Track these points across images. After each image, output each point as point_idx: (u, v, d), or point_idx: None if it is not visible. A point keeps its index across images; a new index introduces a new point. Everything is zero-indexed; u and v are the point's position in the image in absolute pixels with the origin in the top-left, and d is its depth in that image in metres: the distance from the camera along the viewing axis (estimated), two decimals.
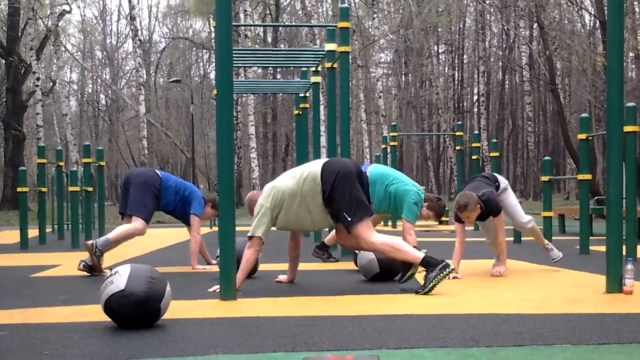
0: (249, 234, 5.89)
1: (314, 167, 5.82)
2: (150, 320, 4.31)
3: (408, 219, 7.43)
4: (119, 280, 4.26)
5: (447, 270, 5.46)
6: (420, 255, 5.59)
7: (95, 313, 4.64)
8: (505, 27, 41.65)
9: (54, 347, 3.78)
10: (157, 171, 7.88)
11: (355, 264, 6.87)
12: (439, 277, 5.43)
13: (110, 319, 4.33)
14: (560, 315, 4.56)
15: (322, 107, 23.12)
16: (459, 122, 19.80)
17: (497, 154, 13.80)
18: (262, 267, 7.12)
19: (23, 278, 7.12)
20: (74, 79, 57.29)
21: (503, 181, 7.20)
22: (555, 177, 11.00)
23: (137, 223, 7.36)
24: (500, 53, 44.55)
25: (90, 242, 7.15)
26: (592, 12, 28.04)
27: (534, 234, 7.36)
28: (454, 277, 6.35)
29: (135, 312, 4.21)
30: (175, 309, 4.71)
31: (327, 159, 6.01)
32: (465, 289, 5.86)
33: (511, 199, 7.19)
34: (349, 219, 5.62)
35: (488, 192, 6.66)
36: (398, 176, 7.64)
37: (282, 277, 6.45)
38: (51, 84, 39.05)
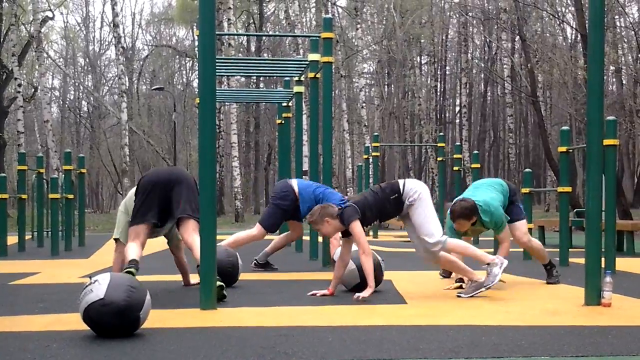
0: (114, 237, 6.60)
1: None
2: (129, 329, 4.29)
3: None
4: (98, 288, 4.24)
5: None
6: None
7: (74, 322, 4.61)
8: (488, 40, 41.88)
9: (32, 356, 3.75)
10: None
11: None
12: None
13: (89, 328, 4.31)
14: (539, 327, 4.58)
15: (304, 117, 23.13)
16: (441, 134, 19.87)
17: (479, 165, 13.87)
18: (242, 276, 7.10)
19: (1, 286, 7.06)
20: (55, 86, 57.01)
21: (411, 193, 6.05)
22: (535, 189, 11.07)
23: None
24: (483, 65, 44.79)
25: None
26: (574, 26, 28.28)
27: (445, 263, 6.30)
28: (322, 295, 6.10)
29: (115, 321, 4.19)
30: (155, 319, 4.69)
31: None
32: (445, 300, 5.87)
33: (416, 213, 6.03)
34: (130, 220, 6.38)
35: (347, 205, 6.08)
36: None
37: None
38: (33, 90, 38.83)
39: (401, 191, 6.05)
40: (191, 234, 6.11)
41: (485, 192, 7.00)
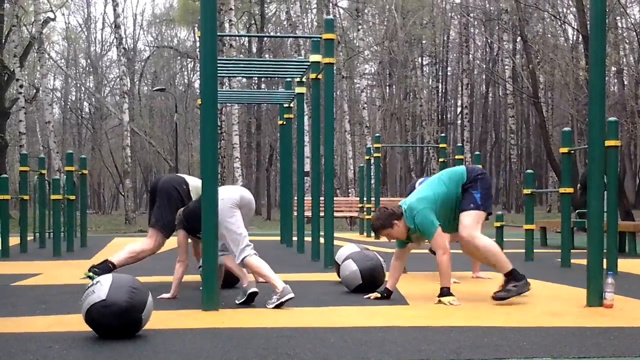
0: None
1: None
2: (131, 330, 4.29)
3: None
4: (100, 289, 4.25)
5: None
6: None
7: (76, 323, 4.62)
8: (489, 40, 41.87)
9: (34, 357, 3.75)
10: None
11: (338, 275, 6.87)
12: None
13: (91, 329, 4.31)
14: (540, 329, 4.58)
15: (306, 118, 23.14)
16: (443, 134, 19.84)
17: (480, 166, 13.85)
18: None
19: (3, 287, 7.06)
20: (57, 87, 57.05)
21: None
22: (537, 190, 11.09)
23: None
24: (484, 66, 44.77)
25: None
26: (575, 27, 28.29)
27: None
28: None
29: (117, 322, 4.19)
30: (157, 320, 4.70)
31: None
32: None
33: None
34: None
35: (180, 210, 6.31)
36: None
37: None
38: (34, 91, 38.81)
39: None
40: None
41: (421, 191, 5.98)
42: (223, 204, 5.67)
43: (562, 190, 9.55)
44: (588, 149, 5.54)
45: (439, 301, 5.64)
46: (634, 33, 25.91)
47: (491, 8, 39.57)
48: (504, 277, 5.81)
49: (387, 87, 44.85)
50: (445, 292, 5.69)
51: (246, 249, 5.70)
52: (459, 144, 18.80)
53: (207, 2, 5.48)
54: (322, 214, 9.45)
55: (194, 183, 7.04)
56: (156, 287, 6.53)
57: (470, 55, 43.31)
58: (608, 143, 7.45)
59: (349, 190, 33.76)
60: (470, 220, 5.81)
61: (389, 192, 46.34)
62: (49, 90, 39.50)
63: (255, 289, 5.64)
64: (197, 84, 48.79)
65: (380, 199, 18.29)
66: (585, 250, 5.61)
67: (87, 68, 57.79)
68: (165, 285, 7.04)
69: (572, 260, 9.29)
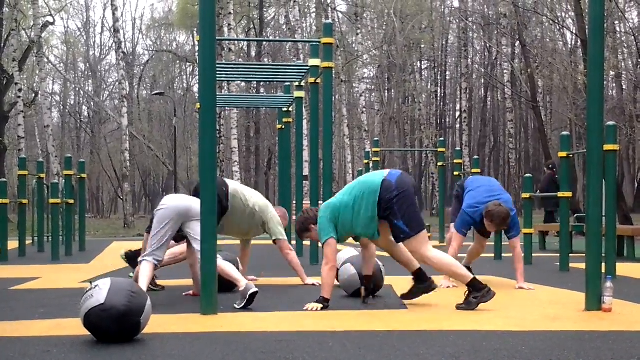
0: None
1: None
2: (130, 334, 4.28)
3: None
4: (99, 293, 4.24)
5: None
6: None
7: (74, 327, 4.61)
8: (488, 45, 41.92)
9: None
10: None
11: (337, 279, 6.86)
12: None
13: (90, 333, 4.30)
14: (539, 333, 4.58)
15: (305, 122, 23.15)
16: (441, 138, 19.88)
17: (479, 170, 13.88)
18: None
19: (2, 291, 7.06)
20: (56, 91, 57.07)
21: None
22: (536, 194, 11.13)
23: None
24: (483, 70, 44.81)
25: None
26: (574, 31, 28.29)
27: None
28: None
29: (115, 326, 4.19)
30: (156, 324, 4.69)
31: None
32: (445, 305, 5.86)
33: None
34: None
35: None
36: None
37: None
38: (33, 95, 38.82)
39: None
40: None
41: (337, 195, 5.94)
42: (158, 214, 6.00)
43: (561, 194, 9.55)
44: (587, 153, 5.55)
45: (306, 306, 5.60)
46: (633, 37, 25.94)
47: (490, 12, 39.61)
48: (467, 287, 5.65)
49: (386, 91, 44.91)
50: (320, 299, 5.65)
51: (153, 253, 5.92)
52: (458, 148, 18.79)
53: (206, 6, 5.49)
54: None
55: (234, 186, 7.30)
56: (155, 291, 6.54)
57: (469, 60, 43.36)
58: (607, 147, 7.45)
59: None
60: (413, 247, 5.63)
61: None
62: (48, 94, 39.50)
63: (255, 289, 5.63)
64: (196, 88, 48.83)
65: None
66: (584, 254, 5.62)
67: (86, 72, 57.87)
68: (166, 289, 7.05)
69: (571, 265, 9.28)
